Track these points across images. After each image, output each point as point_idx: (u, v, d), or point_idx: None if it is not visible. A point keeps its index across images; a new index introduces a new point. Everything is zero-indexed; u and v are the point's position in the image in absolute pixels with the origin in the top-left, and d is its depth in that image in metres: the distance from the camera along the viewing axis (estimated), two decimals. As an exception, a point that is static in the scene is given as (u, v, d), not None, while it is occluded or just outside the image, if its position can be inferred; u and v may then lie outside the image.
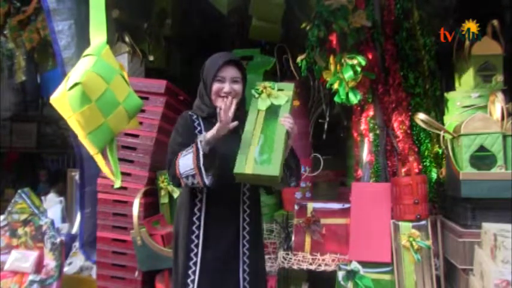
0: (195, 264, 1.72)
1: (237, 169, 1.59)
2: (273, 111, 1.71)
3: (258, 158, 1.60)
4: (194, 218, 1.74)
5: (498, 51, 2.29)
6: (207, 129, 1.68)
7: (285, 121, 1.65)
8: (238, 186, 1.77)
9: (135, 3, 3.24)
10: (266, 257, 2.45)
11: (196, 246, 1.73)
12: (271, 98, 1.73)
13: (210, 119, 1.76)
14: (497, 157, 2.02)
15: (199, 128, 1.77)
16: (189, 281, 1.71)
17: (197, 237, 1.73)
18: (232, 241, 1.76)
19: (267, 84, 1.76)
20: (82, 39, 2.53)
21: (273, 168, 1.58)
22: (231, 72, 1.75)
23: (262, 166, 1.58)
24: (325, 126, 2.78)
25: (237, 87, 1.75)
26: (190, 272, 1.72)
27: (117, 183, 1.78)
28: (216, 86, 1.74)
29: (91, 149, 1.72)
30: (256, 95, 1.74)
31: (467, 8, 2.75)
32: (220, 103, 1.68)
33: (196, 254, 1.72)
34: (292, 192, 2.78)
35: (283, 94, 1.74)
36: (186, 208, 1.77)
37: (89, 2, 1.78)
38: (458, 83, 2.48)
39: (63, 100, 1.64)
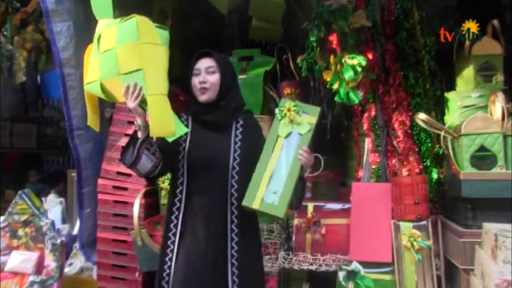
0: (171, 251, 1.71)
1: (245, 202, 1.61)
2: (292, 138, 1.67)
3: (267, 193, 1.61)
4: (174, 208, 1.73)
5: (498, 51, 2.29)
6: (194, 127, 1.73)
7: (302, 156, 1.63)
8: (225, 186, 1.71)
9: (135, 3, 3.23)
10: (267, 257, 2.45)
11: (174, 235, 1.72)
12: (294, 124, 1.68)
13: (198, 116, 1.78)
14: (497, 157, 2.01)
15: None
16: (165, 271, 1.71)
17: (175, 226, 1.72)
18: (217, 240, 1.70)
19: (292, 106, 1.70)
20: (80, 41, 2.52)
21: (279, 209, 1.60)
22: (204, 63, 1.75)
23: (269, 204, 1.60)
24: (328, 126, 2.77)
25: (212, 78, 1.73)
26: (167, 258, 1.71)
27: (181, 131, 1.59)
28: (193, 80, 1.76)
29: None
30: (279, 117, 1.70)
31: (467, 8, 2.75)
32: (201, 97, 1.73)
33: (173, 243, 1.71)
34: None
35: (306, 120, 1.68)
36: (168, 201, 1.77)
37: (87, 3, 1.76)
38: (459, 83, 2.47)
39: (109, 34, 1.61)
